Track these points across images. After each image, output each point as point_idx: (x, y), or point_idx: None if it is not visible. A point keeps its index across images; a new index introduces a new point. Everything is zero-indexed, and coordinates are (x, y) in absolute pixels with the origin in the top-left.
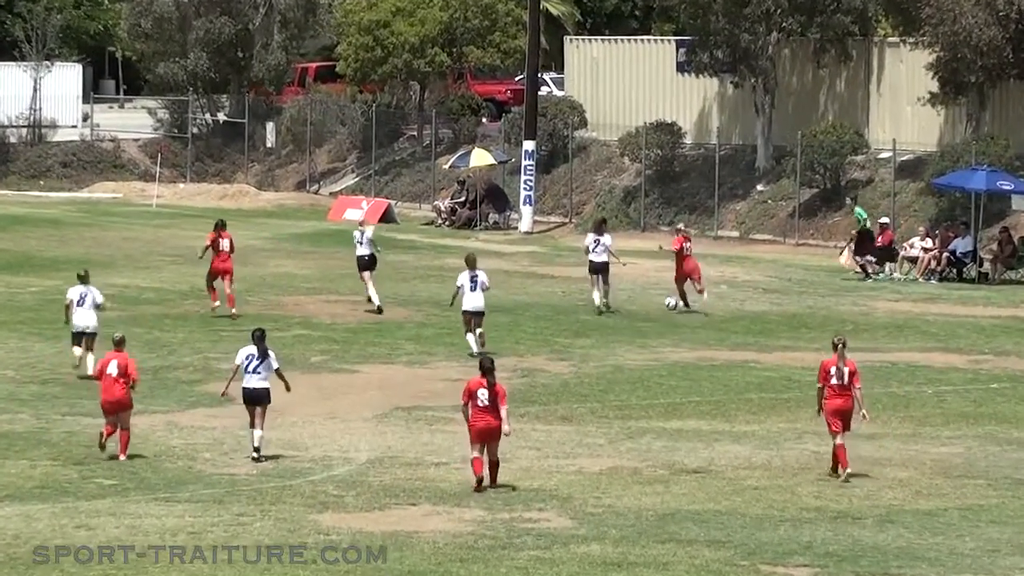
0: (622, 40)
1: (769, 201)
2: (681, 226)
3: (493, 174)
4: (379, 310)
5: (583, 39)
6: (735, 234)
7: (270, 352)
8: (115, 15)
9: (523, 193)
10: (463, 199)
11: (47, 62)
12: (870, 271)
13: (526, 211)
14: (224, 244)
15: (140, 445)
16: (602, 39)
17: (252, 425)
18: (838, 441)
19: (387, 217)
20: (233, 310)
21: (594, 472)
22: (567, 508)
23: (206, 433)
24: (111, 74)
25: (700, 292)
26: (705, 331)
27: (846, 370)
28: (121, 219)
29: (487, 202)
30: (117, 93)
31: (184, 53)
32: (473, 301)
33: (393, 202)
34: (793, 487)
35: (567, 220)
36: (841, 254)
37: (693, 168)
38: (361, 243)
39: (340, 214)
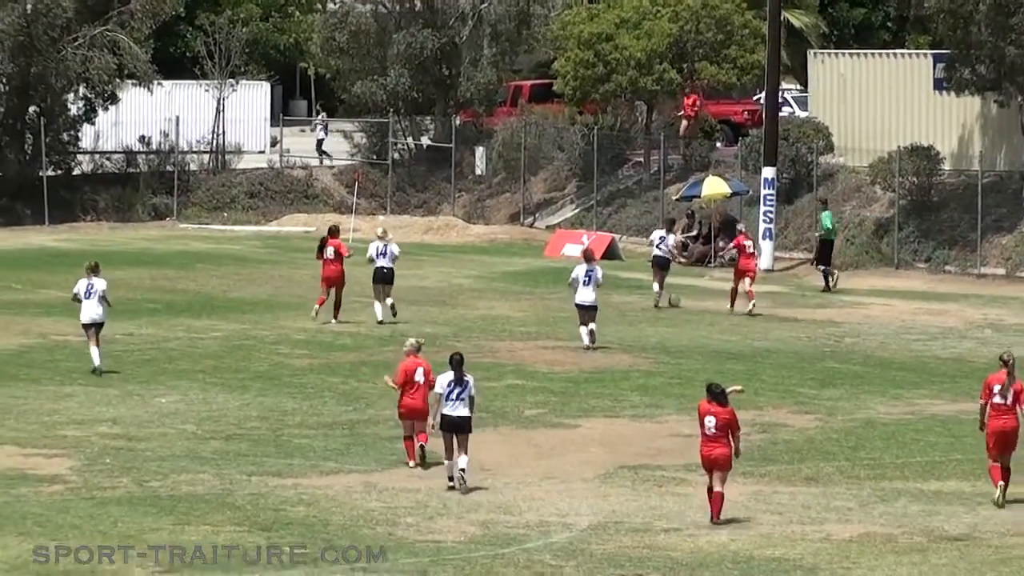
0: (873, 54)
1: None
2: (741, 226)
3: (728, 205)
4: (381, 322)
5: (829, 53)
6: (1001, 271)
7: (467, 377)
8: (307, 28)
9: (762, 226)
10: (695, 233)
11: (232, 80)
12: (830, 283)
13: (766, 246)
14: (328, 252)
15: (335, 509)
16: (850, 53)
17: (448, 456)
18: (992, 463)
19: (611, 253)
20: (333, 321)
21: (843, 539)
22: None
23: (408, 495)
24: (302, 94)
25: (749, 295)
26: (967, 380)
27: (1012, 389)
28: (314, 256)
29: (722, 236)
30: (309, 115)
31: (383, 70)
32: (584, 295)
33: (617, 236)
34: None
35: (812, 256)
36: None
37: (953, 197)
38: (384, 255)
39: (558, 250)
